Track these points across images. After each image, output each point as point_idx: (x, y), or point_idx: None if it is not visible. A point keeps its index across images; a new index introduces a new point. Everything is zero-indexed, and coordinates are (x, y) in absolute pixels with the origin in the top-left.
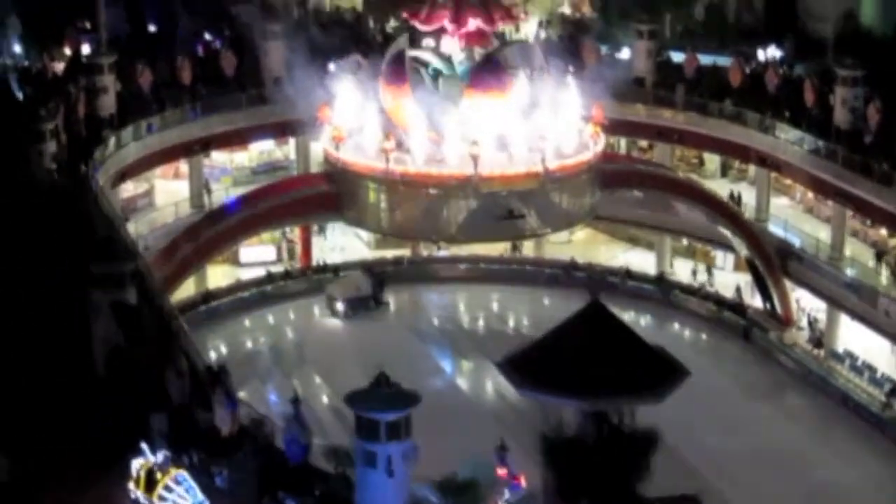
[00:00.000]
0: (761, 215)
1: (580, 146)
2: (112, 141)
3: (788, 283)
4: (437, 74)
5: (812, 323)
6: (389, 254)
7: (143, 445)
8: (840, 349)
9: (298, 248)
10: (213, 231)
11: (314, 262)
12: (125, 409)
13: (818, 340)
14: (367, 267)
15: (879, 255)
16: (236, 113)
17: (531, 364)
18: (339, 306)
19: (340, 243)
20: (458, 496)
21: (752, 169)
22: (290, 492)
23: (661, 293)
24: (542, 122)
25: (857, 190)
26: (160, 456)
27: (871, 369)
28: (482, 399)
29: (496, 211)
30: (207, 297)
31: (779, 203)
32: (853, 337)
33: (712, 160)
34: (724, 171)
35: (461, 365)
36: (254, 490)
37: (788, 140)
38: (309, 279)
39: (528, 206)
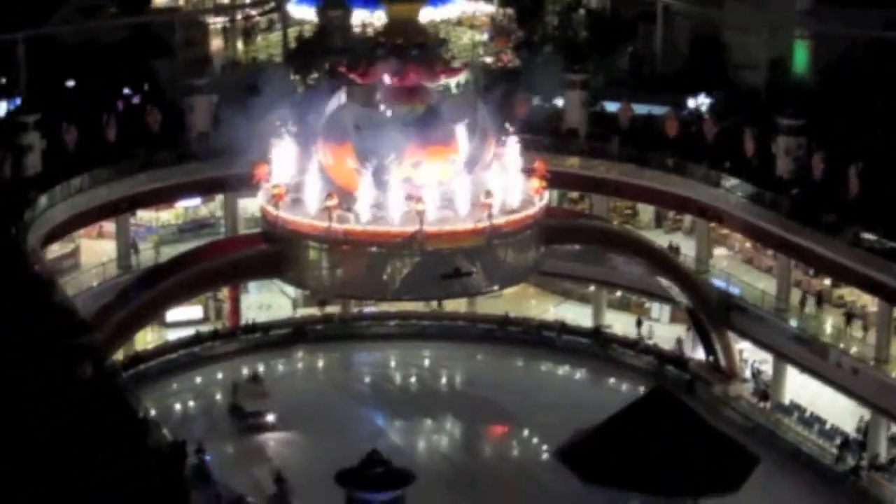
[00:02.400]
0: (701, 267)
1: (524, 201)
2: (41, 201)
3: (731, 335)
4: (377, 131)
5: (756, 375)
6: (316, 311)
7: None
8: (786, 401)
9: (226, 307)
10: (147, 295)
11: (243, 322)
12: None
13: (763, 393)
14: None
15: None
16: (164, 170)
17: (595, 456)
18: (271, 417)
19: (266, 301)
20: None
21: (687, 219)
22: None
23: (598, 347)
24: (487, 177)
25: (805, 240)
26: None
27: (821, 421)
28: (428, 460)
29: (441, 269)
30: (135, 359)
31: (716, 254)
32: (799, 388)
33: (646, 211)
34: (659, 222)
35: (399, 426)
36: None
37: (731, 191)
38: (238, 339)
39: (473, 263)
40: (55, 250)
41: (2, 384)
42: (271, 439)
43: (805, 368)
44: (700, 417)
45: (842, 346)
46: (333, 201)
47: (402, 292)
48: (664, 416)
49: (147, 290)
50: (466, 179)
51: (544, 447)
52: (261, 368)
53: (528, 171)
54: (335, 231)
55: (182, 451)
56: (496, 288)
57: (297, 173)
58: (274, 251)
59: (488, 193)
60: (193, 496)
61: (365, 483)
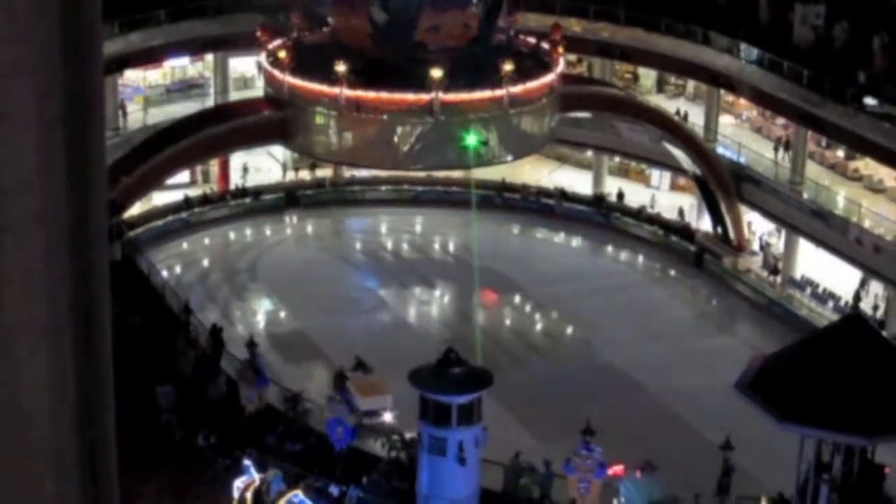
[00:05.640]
0: (709, 136)
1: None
2: None
3: (742, 207)
4: None
5: (765, 248)
6: (307, 175)
7: (247, 462)
8: (798, 276)
9: (214, 171)
10: (148, 165)
11: (232, 186)
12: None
13: (774, 267)
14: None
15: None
16: (156, 29)
17: (786, 391)
18: (389, 417)
19: (254, 164)
20: None
21: (690, 85)
22: (335, 480)
23: (599, 215)
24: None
25: (825, 112)
26: (270, 474)
27: (834, 297)
28: (427, 329)
29: (456, 138)
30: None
31: (722, 121)
32: (810, 263)
33: (648, 76)
34: (661, 87)
35: (396, 294)
36: None
37: (746, 59)
38: (228, 205)
39: (489, 132)
40: None
41: None
42: (265, 310)
43: (822, 244)
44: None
45: (855, 219)
46: (345, 66)
47: (413, 161)
48: (860, 346)
49: (148, 158)
50: (483, 45)
51: (537, 315)
52: (247, 232)
53: (543, 36)
54: (346, 96)
55: (220, 337)
56: (510, 158)
57: (302, 35)
58: (279, 116)
59: (506, 60)
60: (244, 391)
61: (440, 385)
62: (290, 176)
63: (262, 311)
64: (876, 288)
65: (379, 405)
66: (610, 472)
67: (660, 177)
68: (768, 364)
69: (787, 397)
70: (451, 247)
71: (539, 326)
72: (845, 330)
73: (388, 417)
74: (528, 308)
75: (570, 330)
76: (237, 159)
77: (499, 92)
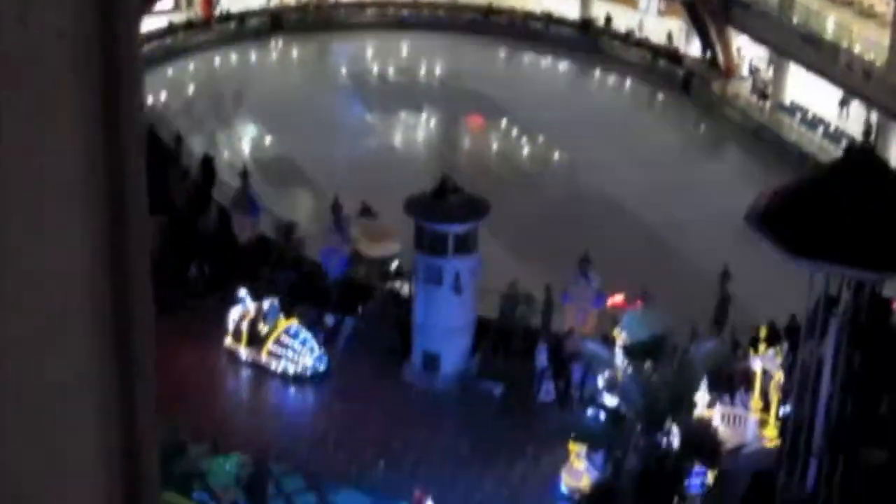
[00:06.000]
0: None
1: None
2: None
3: (731, 31)
4: None
5: (754, 73)
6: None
7: (242, 292)
8: (787, 101)
9: None
10: None
11: (217, 11)
12: None
13: (762, 92)
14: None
15: None
16: None
17: (796, 225)
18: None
19: None
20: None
21: None
22: (331, 309)
23: (587, 40)
24: None
25: None
26: (266, 304)
27: (825, 123)
28: (414, 152)
29: None
30: None
31: None
32: (799, 89)
33: None
34: None
35: (383, 119)
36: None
37: None
38: (213, 30)
39: None
40: None
41: None
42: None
43: (812, 69)
44: None
45: (845, 44)
46: None
47: None
48: (871, 179)
49: None
50: None
51: (524, 140)
52: (232, 58)
53: None
54: None
55: (211, 167)
56: None
57: None
58: None
59: None
60: (237, 221)
61: (437, 214)
62: (275, 0)
63: (248, 137)
64: (857, 110)
65: (388, 252)
66: (609, 302)
67: (648, 0)
68: (778, 197)
69: (798, 232)
70: (438, 71)
71: (526, 151)
72: (855, 163)
73: (397, 263)
74: (514, 133)
75: (556, 155)
76: None
77: None
